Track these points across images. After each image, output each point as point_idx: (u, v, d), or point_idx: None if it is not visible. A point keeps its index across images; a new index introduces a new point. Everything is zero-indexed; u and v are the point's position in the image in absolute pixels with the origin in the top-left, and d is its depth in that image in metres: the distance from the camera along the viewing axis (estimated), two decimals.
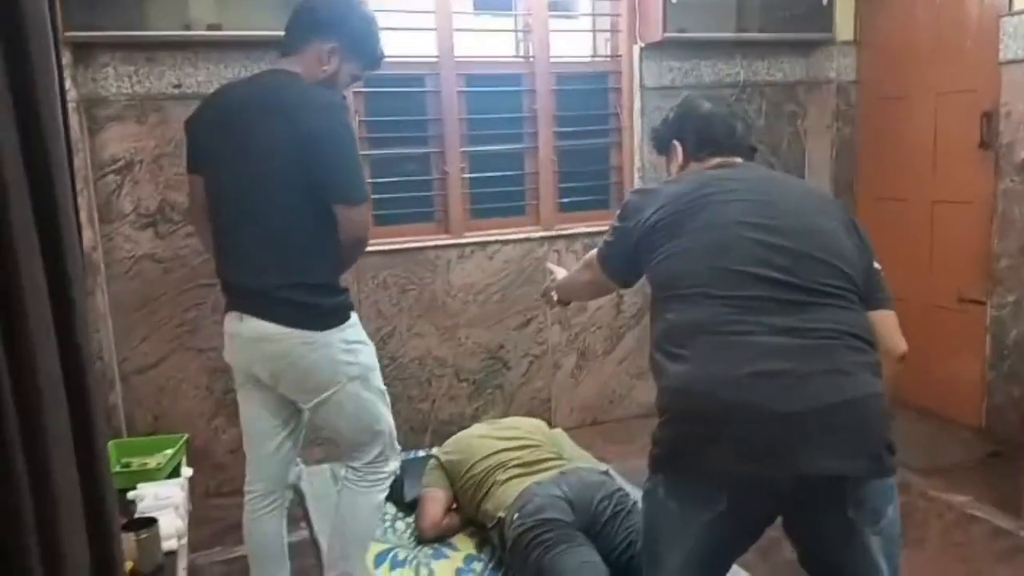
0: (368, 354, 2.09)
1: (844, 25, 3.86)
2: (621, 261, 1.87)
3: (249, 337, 2.01)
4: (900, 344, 1.65)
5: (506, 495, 2.53)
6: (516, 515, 2.39)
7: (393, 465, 2.19)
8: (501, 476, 2.65)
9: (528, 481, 2.55)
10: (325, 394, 2.02)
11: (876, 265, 1.70)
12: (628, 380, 3.92)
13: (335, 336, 1.98)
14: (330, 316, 1.99)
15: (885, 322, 1.65)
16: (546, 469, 2.65)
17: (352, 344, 2.03)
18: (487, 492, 2.63)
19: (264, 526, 2.24)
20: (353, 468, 2.16)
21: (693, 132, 1.88)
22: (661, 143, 1.99)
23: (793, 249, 1.53)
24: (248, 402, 2.21)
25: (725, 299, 1.50)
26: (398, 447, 2.22)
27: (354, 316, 2.06)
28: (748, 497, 1.48)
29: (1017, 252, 3.18)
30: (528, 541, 2.30)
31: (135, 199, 3.02)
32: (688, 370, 1.49)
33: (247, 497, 2.25)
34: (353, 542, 2.20)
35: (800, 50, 3.96)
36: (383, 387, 2.15)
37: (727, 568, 1.67)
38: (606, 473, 2.77)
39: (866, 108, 3.91)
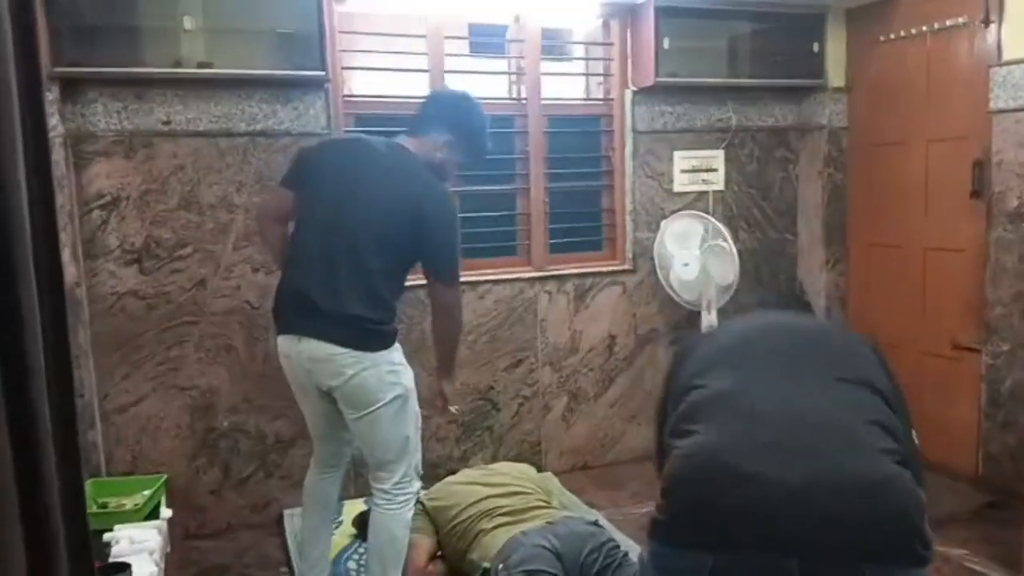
0: (409, 377, 2.31)
1: (835, 71, 3.89)
2: None
3: (308, 357, 2.23)
4: None
5: (492, 544, 2.47)
6: (500, 566, 2.33)
7: (416, 485, 2.37)
8: (487, 524, 2.59)
9: (515, 530, 2.49)
10: (369, 409, 2.23)
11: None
12: (620, 424, 3.87)
13: (383, 357, 2.22)
14: (381, 339, 2.23)
15: None
16: (534, 518, 2.59)
17: (396, 366, 2.26)
18: (473, 540, 2.57)
19: (324, 487, 2.53)
20: (382, 491, 2.32)
21: None
22: None
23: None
24: (307, 409, 2.45)
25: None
26: (420, 471, 2.39)
27: (397, 343, 2.29)
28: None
29: (1010, 300, 3.16)
30: None
31: (121, 235, 2.99)
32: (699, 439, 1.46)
33: (311, 467, 2.55)
34: (391, 561, 2.34)
35: (791, 96, 3.98)
36: (419, 410, 2.37)
37: None
38: (595, 523, 2.71)
39: (857, 154, 3.92)
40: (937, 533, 1.42)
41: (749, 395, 1.53)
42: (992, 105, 3.15)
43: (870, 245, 3.90)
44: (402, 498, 2.32)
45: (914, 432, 1.58)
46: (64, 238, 2.79)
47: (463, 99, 2.44)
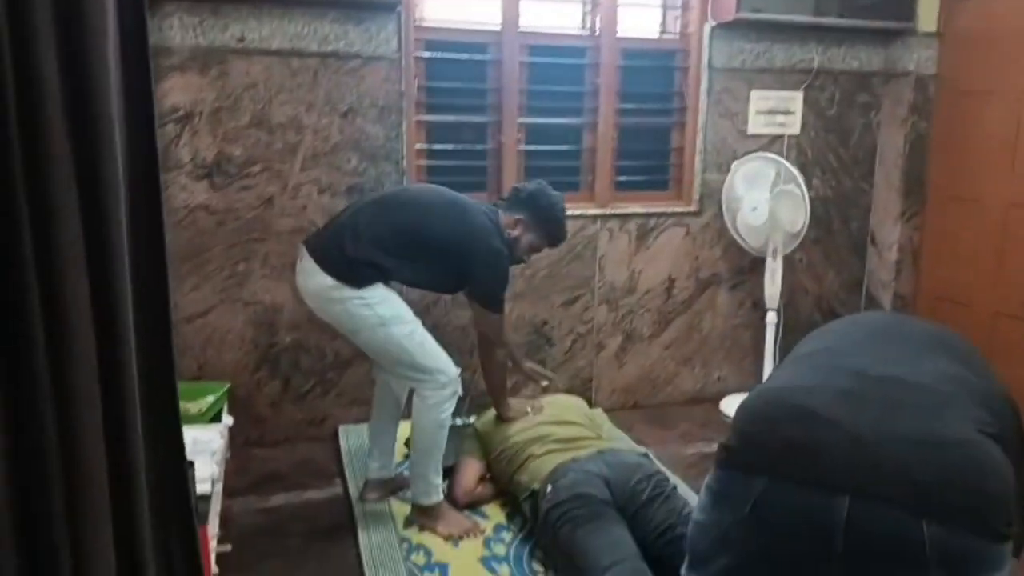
0: (387, 307, 2.50)
1: (927, 15, 3.68)
2: None
3: (302, 278, 2.61)
4: None
5: (541, 468, 2.52)
6: (550, 488, 2.38)
7: (447, 392, 2.54)
8: (538, 450, 2.64)
9: (565, 457, 2.53)
10: (353, 335, 2.59)
11: None
12: (673, 366, 3.85)
13: (353, 292, 2.48)
14: (356, 278, 2.48)
15: None
16: (584, 447, 2.63)
17: (368, 300, 2.48)
18: (522, 464, 2.62)
19: (387, 387, 2.82)
20: (417, 393, 2.58)
21: None
22: None
23: None
24: None
25: None
26: (453, 377, 2.55)
27: (381, 287, 2.51)
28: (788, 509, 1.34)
29: None
30: (560, 515, 2.28)
31: (193, 149, 3.05)
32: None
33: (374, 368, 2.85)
34: (423, 451, 2.56)
35: (879, 39, 3.80)
36: (418, 334, 2.54)
37: None
38: (645, 456, 2.74)
39: (944, 103, 3.74)
40: None
41: (840, 354, 1.50)
42: None
43: (949, 199, 3.74)
44: (432, 400, 2.53)
45: None
46: None
47: (547, 189, 2.77)
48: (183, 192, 3.08)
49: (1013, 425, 1.42)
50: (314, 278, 2.51)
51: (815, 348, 1.59)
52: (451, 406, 2.57)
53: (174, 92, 3.00)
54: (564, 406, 3.00)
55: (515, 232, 2.71)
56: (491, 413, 2.95)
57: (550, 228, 2.75)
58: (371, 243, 2.48)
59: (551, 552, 2.36)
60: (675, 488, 2.44)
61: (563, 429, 2.76)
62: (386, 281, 2.54)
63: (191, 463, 2.12)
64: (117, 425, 1.39)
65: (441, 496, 2.62)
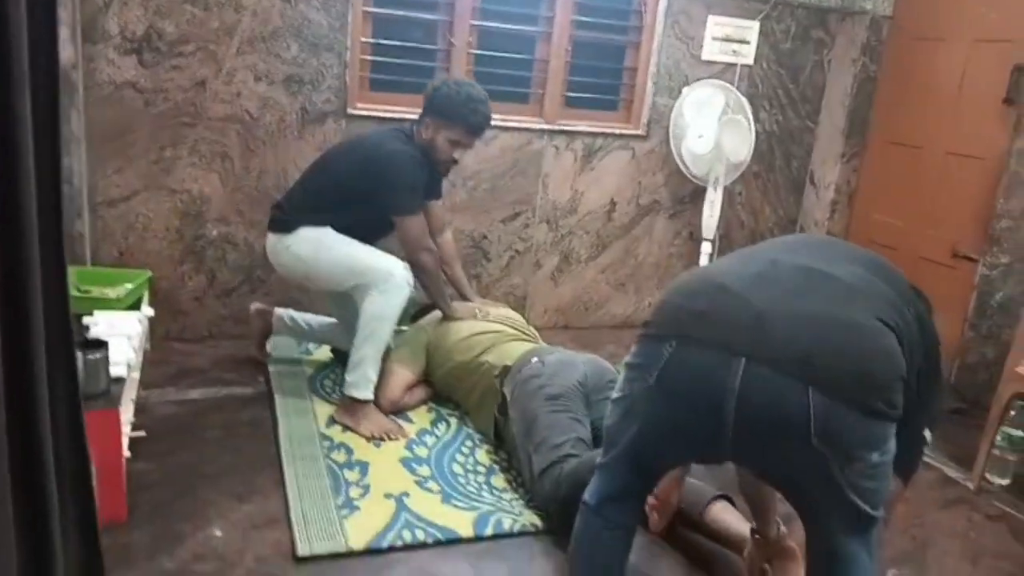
0: (316, 238, 2.66)
1: None
2: None
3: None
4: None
5: (512, 350, 2.61)
6: (535, 359, 2.46)
7: (394, 282, 2.59)
8: (504, 338, 2.73)
9: (530, 345, 2.67)
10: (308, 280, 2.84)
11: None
12: (607, 289, 3.87)
13: (288, 238, 2.69)
14: (288, 225, 2.70)
15: None
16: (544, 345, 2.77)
17: (299, 238, 2.67)
18: (488, 348, 2.68)
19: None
20: (370, 290, 2.62)
21: None
22: None
23: None
24: None
25: None
26: (399, 272, 2.61)
27: (312, 228, 2.67)
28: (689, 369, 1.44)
29: (1020, 214, 3.10)
30: (538, 386, 2.34)
31: (122, 21, 2.85)
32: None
33: None
34: (363, 338, 2.61)
35: None
36: (355, 246, 2.65)
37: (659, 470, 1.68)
38: None
39: (895, 46, 3.75)
40: None
41: (766, 250, 1.61)
42: None
43: (890, 143, 3.79)
44: (380, 289, 2.59)
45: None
46: (63, 15, 2.66)
47: (449, 81, 2.77)
48: (110, 67, 2.89)
49: (919, 331, 1.51)
50: (268, 241, 2.76)
51: (748, 248, 1.72)
52: (400, 302, 2.61)
53: None
54: (512, 315, 3.05)
55: (427, 135, 2.70)
56: (437, 315, 2.93)
57: (458, 115, 2.67)
58: (300, 204, 2.71)
59: (515, 417, 2.38)
60: None
61: (517, 331, 2.84)
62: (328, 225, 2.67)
63: (104, 343, 2.04)
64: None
65: (371, 395, 2.60)
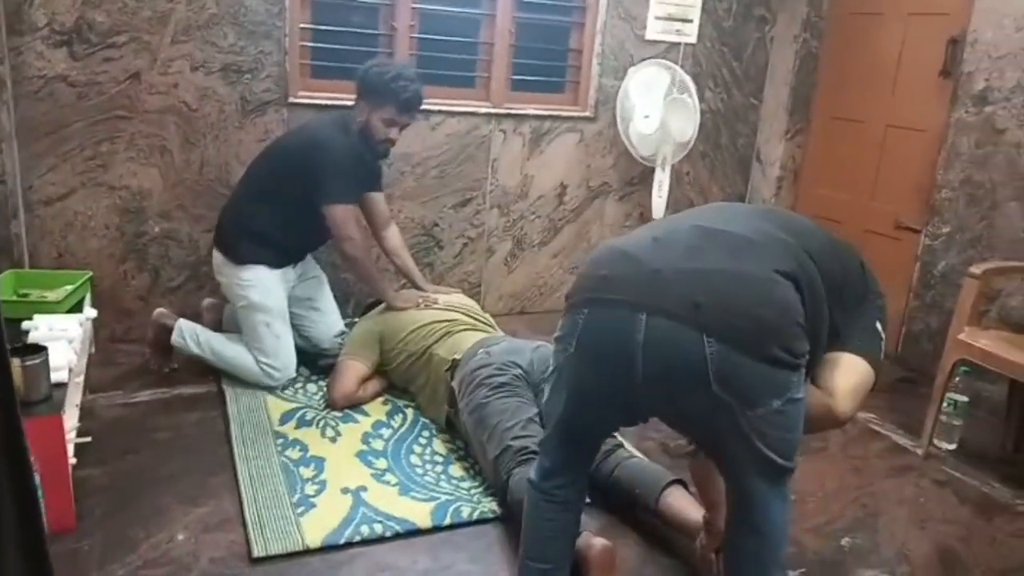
0: (258, 293, 2.72)
1: None
2: None
3: None
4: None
5: (461, 341, 2.59)
6: (483, 351, 2.45)
7: (270, 380, 2.75)
8: (454, 328, 2.71)
9: (481, 335, 2.65)
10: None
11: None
12: (560, 274, 3.87)
13: (234, 272, 2.74)
14: (236, 253, 2.74)
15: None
16: (493, 333, 2.75)
17: (244, 282, 2.72)
18: (439, 340, 2.66)
19: None
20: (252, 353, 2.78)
21: None
22: None
23: None
24: None
25: None
26: (283, 377, 2.77)
27: (260, 270, 2.73)
28: (600, 329, 1.50)
29: (959, 184, 3.17)
30: (487, 376, 2.34)
31: (50, 12, 2.75)
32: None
33: None
34: (221, 357, 2.80)
35: None
36: (276, 326, 2.75)
37: (592, 446, 1.76)
38: None
39: (836, 21, 3.80)
40: None
41: (671, 218, 1.70)
42: None
43: (833, 118, 3.85)
44: (258, 369, 2.75)
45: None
46: None
47: (375, 61, 2.78)
48: (39, 60, 2.78)
49: (819, 277, 1.55)
50: (214, 254, 2.80)
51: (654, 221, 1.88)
52: (254, 380, 2.76)
53: None
54: (467, 304, 3.00)
55: (362, 118, 2.72)
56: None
57: (388, 92, 2.68)
58: (235, 205, 2.76)
59: (464, 409, 2.37)
60: None
61: (472, 320, 2.82)
62: (270, 262, 2.74)
63: (43, 348, 1.98)
64: None
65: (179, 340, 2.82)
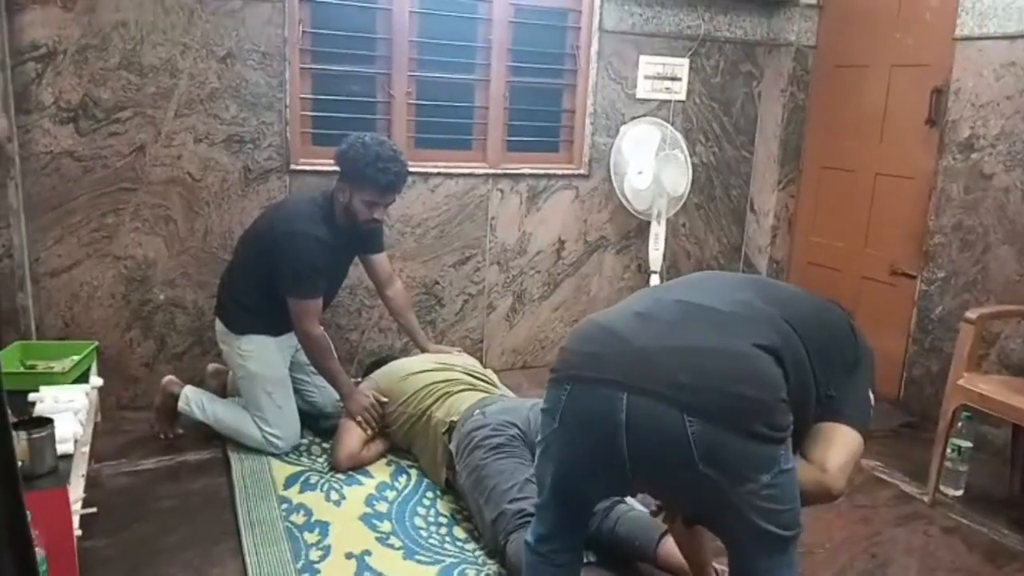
0: (257, 363, 2.76)
1: None
2: None
3: None
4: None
5: (459, 403, 2.58)
6: (478, 412, 2.45)
7: (271, 448, 2.77)
8: (453, 388, 2.70)
9: (480, 395, 2.64)
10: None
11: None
12: (561, 327, 3.90)
13: (235, 341, 2.78)
14: (234, 323, 2.79)
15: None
16: (495, 393, 2.74)
17: (244, 352, 2.76)
18: (437, 401, 2.66)
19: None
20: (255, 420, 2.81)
21: None
22: None
23: None
24: None
25: None
26: (285, 446, 2.79)
27: (259, 339, 2.77)
28: (584, 408, 1.50)
29: (951, 230, 3.22)
30: (483, 437, 2.33)
31: (56, 91, 2.84)
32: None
33: None
34: (221, 419, 2.85)
35: (763, 9, 3.91)
36: (278, 396, 2.78)
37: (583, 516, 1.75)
38: None
39: (821, 74, 3.90)
40: None
41: (652, 291, 1.70)
42: (958, 32, 3.13)
43: (823, 168, 3.92)
44: (261, 435, 2.76)
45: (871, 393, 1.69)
46: None
47: (357, 140, 2.72)
48: (45, 137, 2.87)
49: (803, 347, 1.54)
50: (216, 324, 2.85)
51: (641, 290, 1.84)
52: (255, 446, 2.78)
53: (34, 27, 2.78)
54: (464, 363, 3.01)
55: (344, 199, 2.71)
56: (389, 367, 2.92)
57: (367, 177, 2.65)
58: (229, 277, 2.84)
59: (462, 472, 2.37)
60: None
61: (471, 379, 2.82)
62: (269, 331, 2.77)
63: (50, 420, 2.00)
64: None
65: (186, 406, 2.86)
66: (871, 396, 1.68)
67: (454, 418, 2.52)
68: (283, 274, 2.66)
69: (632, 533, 2.15)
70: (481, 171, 3.57)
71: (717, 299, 1.56)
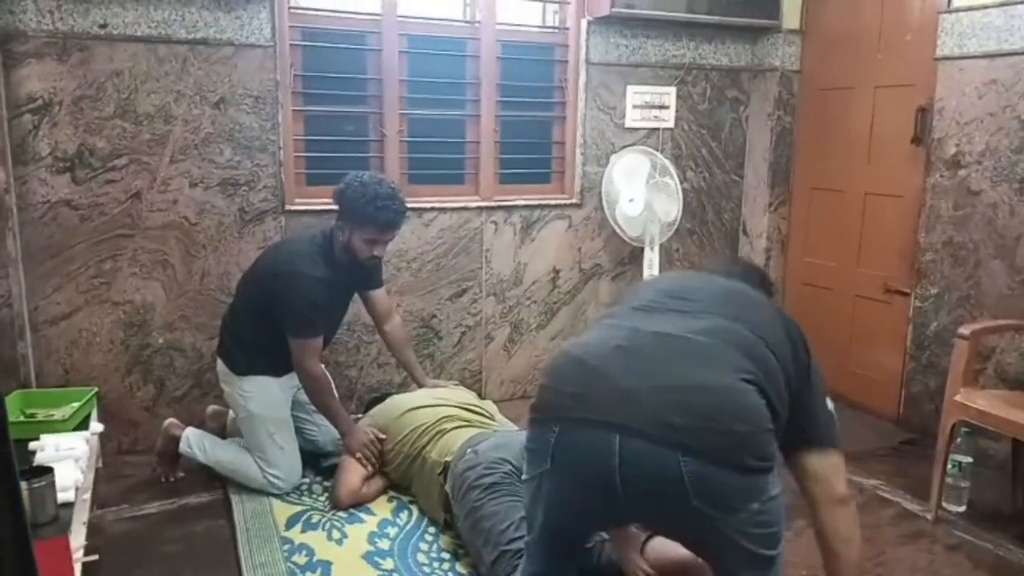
0: (258, 404, 2.77)
1: (791, 13, 3.88)
2: None
3: None
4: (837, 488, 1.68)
5: (453, 441, 2.57)
6: (470, 451, 2.44)
7: (273, 488, 2.77)
8: (447, 426, 2.69)
9: (474, 431, 2.63)
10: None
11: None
12: None
13: (236, 381, 2.80)
14: (236, 363, 2.81)
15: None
16: (489, 427, 2.74)
17: (245, 392, 2.77)
18: (431, 441, 2.65)
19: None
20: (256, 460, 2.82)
21: None
22: None
23: None
24: None
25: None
26: (286, 486, 2.79)
27: (260, 380, 2.78)
28: (574, 447, 1.51)
29: (941, 246, 3.25)
30: (477, 476, 2.32)
31: (52, 142, 2.88)
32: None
33: None
34: (222, 461, 2.86)
35: (747, 36, 3.97)
36: (280, 436, 2.79)
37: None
38: None
39: (807, 98, 3.95)
40: (855, 466, 1.51)
41: (631, 318, 1.68)
42: (939, 52, 3.19)
43: (813, 189, 3.96)
44: (264, 476, 2.77)
45: (829, 403, 1.72)
46: None
47: (354, 179, 2.75)
48: (42, 187, 2.90)
49: (779, 369, 1.58)
50: (218, 364, 2.85)
51: (611, 310, 1.82)
52: (256, 486, 2.78)
53: (30, 80, 2.83)
54: (460, 396, 3.02)
55: (343, 237, 2.75)
56: (387, 404, 2.92)
57: (366, 215, 2.68)
58: (231, 316, 2.86)
59: (459, 514, 2.37)
60: None
61: (468, 414, 2.82)
62: (270, 371, 2.78)
63: (50, 469, 2.01)
64: None
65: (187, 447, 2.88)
66: (830, 407, 1.72)
67: (448, 458, 2.51)
68: (284, 314, 2.68)
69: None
70: (474, 204, 3.60)
71: (695, 326, 1.58)
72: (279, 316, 2.69)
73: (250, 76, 3.09)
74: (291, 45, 3.18)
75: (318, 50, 3.28)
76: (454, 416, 2.77)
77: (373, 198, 2.68)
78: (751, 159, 4.10)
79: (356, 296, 3.04)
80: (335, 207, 2.78)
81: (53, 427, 2.50)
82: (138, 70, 2.94)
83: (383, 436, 2.79)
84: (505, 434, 2.64)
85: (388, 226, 2.75)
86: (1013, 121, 2.97)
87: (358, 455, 2.75)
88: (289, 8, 3.17)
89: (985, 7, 3.02)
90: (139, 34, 2.92)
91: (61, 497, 2.03)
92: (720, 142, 4.06)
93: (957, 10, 3.11)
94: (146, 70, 2.95)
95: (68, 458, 2.23)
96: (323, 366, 2.82)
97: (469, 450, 2.45)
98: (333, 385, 2.89)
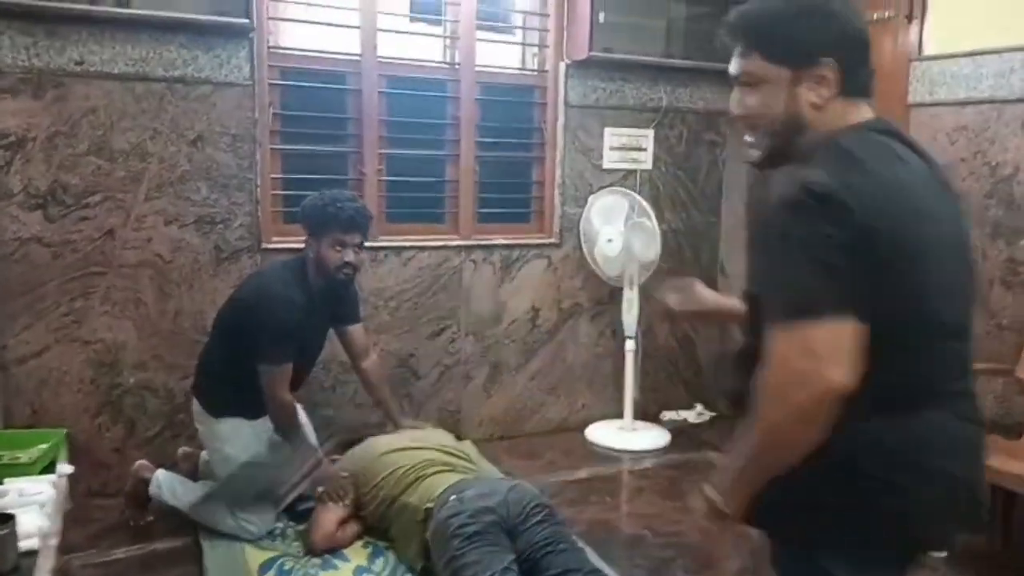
0: (233, 447, 2.74)
1: None
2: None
3: None
4: None
5: (433, 487, 2.53)
6: (453, 497, 2.39)
7: (244, 534, 2.71)
8: (426, 471, 2.64)
9: (455, 476, 2.58)
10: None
11: None
12: (539, 395, 3.89)
13: (211, 423, 2.78)
14: (211, 404, 2.78)
15: None
16: (468, 470, 2.70)
17: (221, 436, 2.76)
18: (410, 487, 2.60)
19: None
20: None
21: (853, 50, 1.26)
22: (797, 53, 1.24)
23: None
24: None
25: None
26: (256, 532, 2.72)
27: (235, 423, 2.75)
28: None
29: None
30: (459, 525, 2.29)
31: (25, 178, 2.85)
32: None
33: None
34: (192, 504, 2.79)
35: (723, 80, 3.96)
36: (259, 480, 2.73)
37: None
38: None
39: None
40: None
41: None
42: (911, 99, 3.25)
43: None
44: (235, 521, 2.71)
45: None
46: None
47: (313, 196, 2.76)
48: (14, 224, 2.86)
49: None
50: (194, 404, 2.81)
51: None
52: (226, 529, 2.71)
53: (4, 116, 2.80)
54: (439, 439, 2.97)
55: (314, 253, 2.73)
56: (364, 446, 2.88)
57: (327, 216, 2.68)
58: (208, 353, 2.84)
59: (438, 562, 2.32)
60: (563, 517, 2.54)
61: (446, 457, 2.77)
62: (245, 413, 2.74)
63: (11, 516, 1.95)
64: None
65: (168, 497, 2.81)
66: None
67: (429, 505, 2.47)
68: (255, 338, 2.63)
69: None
70: (454, 243, 3.60)
71: None
72: (250, 343, 2.64)
73: (228, 114, 3.08)
74: (270, 84, 3.18)
75: (297, 89, 3.28)
76: (435, 460, 2.72)
77: (332, 200, 2.71)
78: (729, 200, 4.14)
79: (333, 334, 3.01)
80: (304, 231, 2.77)
81: (19, 470, 2.43)
82: (114, 107, 2.93)
83: (344, 475, 2.75)
84: (489, 481, 2.61)
85: (350, 224, 2.70)
86: (983, 167, 3.03)
87: (329, 490, 2.70)
88: (268, 48, 3.18)
89: (955, 56, 3.09)
90: (116, 71, 2.91)
91: (24, 545, 1.96)
92: (697, 184, 4.10)
93: (927, 58, 3.18)
94: (122, 107, 2.94)
95: (33, 503, 2.16)
96: (291, 396, 2.75)
97: (453, 496, 2.41)
98: (300, 414, 2.84)
